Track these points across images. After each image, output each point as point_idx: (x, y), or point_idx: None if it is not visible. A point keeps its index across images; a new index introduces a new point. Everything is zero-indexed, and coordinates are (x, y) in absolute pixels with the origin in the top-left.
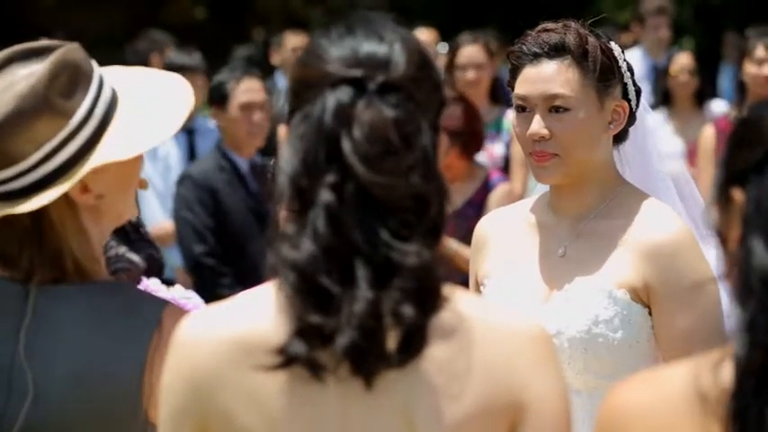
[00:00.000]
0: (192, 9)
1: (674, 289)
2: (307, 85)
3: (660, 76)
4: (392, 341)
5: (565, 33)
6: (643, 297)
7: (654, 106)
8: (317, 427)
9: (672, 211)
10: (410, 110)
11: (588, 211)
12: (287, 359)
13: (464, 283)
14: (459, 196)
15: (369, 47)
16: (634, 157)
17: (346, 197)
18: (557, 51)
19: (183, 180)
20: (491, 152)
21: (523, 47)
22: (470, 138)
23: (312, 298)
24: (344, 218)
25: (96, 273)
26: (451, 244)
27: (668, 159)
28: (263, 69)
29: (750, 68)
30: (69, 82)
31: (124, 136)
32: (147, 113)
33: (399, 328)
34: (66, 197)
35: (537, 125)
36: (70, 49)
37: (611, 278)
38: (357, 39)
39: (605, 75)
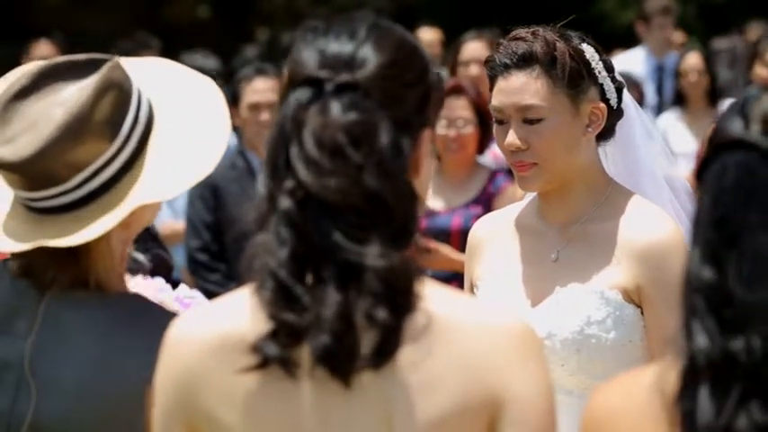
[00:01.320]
0: (195, 8)
1: (664, 289)
2: (285, 88)
3: (667, 76)
4: (366, 343)
5: (533, 42)
6: (635, 298)
7: (660, 107)
8: (296, 425)
9: (661, 212)
10: (367, 109)
11: (578, 215)
12: (262, 360)
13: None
14: (464, 194)
15: (336, 46)
16: (620, 154)
17: (302, 202)
18: (525, 62)
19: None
20: (495, 152)
21: (495, 58)
22: (488, 126)
23: (286, 301)
24: (304, 224)
25: (112, 287)
26: (456, 255)
27: (681, 159)
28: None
29: (760, 71)
30: (114, 103)
31: (166, 169)
32: (186, 141)
33: (373, 332)
34: None
35: (512, 137)
36: (114, 67)
37: (602, 279)
38: (328, 39)
39: (575, 80)
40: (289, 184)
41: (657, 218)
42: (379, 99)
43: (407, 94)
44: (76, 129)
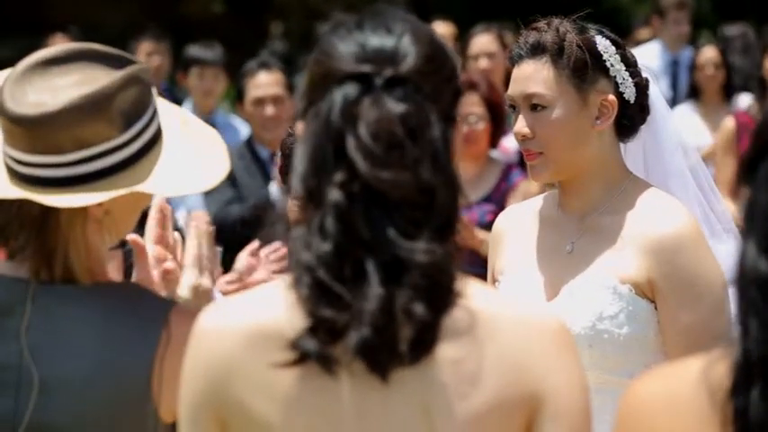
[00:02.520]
0: (210, 3)
1: (677, 284)
2: (317, 83)
3: (682, 70)
4: (404, 338)
5: (545, 32)
6: (647, 292)
7: (675, 101)
8: (334, 420)
9: (678, 204)
10: (418, 102)
11: (594, 206)
12: (300, 355)
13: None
14: (477, 190)
15: (376, 41)
16: (649, 152)
17: (354, 195)
18: (534, 51)
19: None
20: (504, 147)
21: (513, 49)
22: (499, 120)
23: (325, 296)
24: (353, 216)
25: (79, 278)
26: (480, 234)
27: (694, 152)
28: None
29: None
30: (135, 99)
31: (169, 173)
32: (189, 159)
33: (411, 326)
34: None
35: (519, 124)
36: (143, 69)
37: (615, 273)
38: (365, 33)
39: (580, 70)
40: (339, 176)
41: (670, 210)
42: (426, 92)
43: (446, 88)
44: (95, 107)
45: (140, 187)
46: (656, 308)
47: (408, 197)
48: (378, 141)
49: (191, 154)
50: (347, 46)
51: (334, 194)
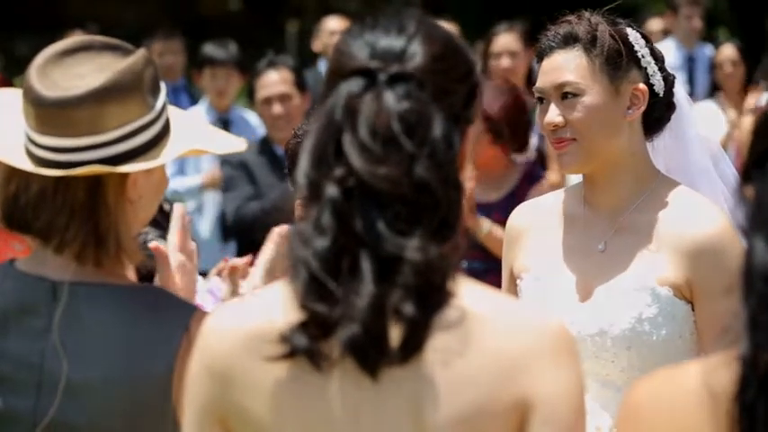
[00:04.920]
0: (227, 0)
1: (717, 286)
2: (329, 79)
3: (698, 66)
4: (395, 337)
5: (577, 24)
6: (686, 294)
7: (691, 98)
8: (325, 418)
9: (712, 205)
10: (421, 100)
11: (625, 204)
12: (290, 350)
13: (491, 270)
14: (500, 189)
15: (387, 40)
16: (674, 149)
17: (350, 191)
18: (566, 42)
19: (222, 164)
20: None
21: (541, 42)
22: (511, 130)
23: (318, 291)
24: (349, 212)
25: (132, 262)
26: (485, 224)
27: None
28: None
29: None
30: (153, 77)
31: (202, 138)
32: (207, 129)
33: (401, 325)
34: (121, 185)
35: (551, 113)
36: (148, 53)
37: (653, 274)
38: (377, 32)
39: (614, 59)
40: (338, 172)
41: (709, 211)
42: (432, 91)
43: (456, 89)
44: (133, 81)
45: (199, 145)
46: (692, 309)
47: (402, 194)
48: (375, 137)
49: (204, 127)
50: (359, 44)
51: (331, 190)
